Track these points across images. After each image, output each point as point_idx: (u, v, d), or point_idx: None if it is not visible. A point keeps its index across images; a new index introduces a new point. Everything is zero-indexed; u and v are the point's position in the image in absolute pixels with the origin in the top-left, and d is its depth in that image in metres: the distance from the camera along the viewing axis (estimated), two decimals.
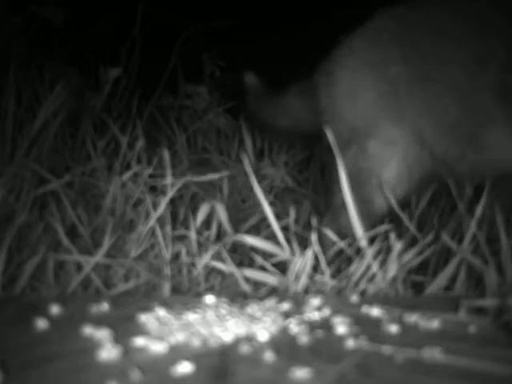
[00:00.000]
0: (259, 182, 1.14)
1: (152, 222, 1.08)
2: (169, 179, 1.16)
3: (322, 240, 1.13)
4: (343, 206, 1.09)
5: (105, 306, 0.80)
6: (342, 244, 1.03)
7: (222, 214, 1.10)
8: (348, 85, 1.23)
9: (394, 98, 1.19)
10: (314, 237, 0.98)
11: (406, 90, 1.18)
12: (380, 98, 1.20)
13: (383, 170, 1.18)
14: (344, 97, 1.24)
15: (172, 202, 1.18)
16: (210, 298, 0.84)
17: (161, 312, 0.78)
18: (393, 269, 0.95)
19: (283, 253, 1.00)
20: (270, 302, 0.83)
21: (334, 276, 0.99)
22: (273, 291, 0.97)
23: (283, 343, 0.70)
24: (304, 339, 0.71)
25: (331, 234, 1.07)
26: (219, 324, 0.74)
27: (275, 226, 1.02)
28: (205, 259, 1.02)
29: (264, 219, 1.19)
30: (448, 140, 1.16)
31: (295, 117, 1.43)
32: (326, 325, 0.75)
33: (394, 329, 0.74)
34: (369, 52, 1.23)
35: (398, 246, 0.97)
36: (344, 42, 1.28)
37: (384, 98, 1.20)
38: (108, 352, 0.65)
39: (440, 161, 1.17)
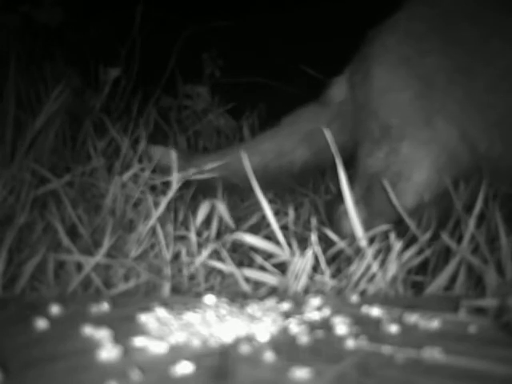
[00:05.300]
0: None
1: (152, 221, 1.08)
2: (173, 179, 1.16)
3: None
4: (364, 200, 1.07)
5: (105, 306, 0.80)
6: (342, 244, 1.03)
7: (222, 211, 1.10)
8: (383, 82, 1.21)
9: (430, 94, 1.15)
10: (313, 237, 0.98)
11: (445, 84, 1.14)
12: (416, 95, 1.17)
13: (413, 172, 1.15)
14: (379, 94, 1.21)
15: (172, 201, 1.18)
16: (209, 298, 0.83)
17: (161, 312, 0.78)
18: (393, 269, 0.95)
19: (283, 252, 1.00)
20: (270, 302, 0.83)
21: (334, 276, 0.99)
22: (273, 291, 0.97)
23: (283, 343, 0.70)
24: (304, 339, 0.71)
25: (331, 234, 1.07)
26: (219, 324, 0.74)
27: (274, 225, 1.02)
28: (203, 257, 1.01)
29: (263, 218, 1.18)
30: (493, 135, 1.12)
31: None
32: (325, 325, 0.75)
33: (393, 329, 0.74)
34: (404, 46, 1.19)
35: (397, 245, 0.96)
36: (377, 36, 1.24)
37: (420, 95, 1.16)
38: (108, 352, 0.65)
39: (483, 157, 1.14)
